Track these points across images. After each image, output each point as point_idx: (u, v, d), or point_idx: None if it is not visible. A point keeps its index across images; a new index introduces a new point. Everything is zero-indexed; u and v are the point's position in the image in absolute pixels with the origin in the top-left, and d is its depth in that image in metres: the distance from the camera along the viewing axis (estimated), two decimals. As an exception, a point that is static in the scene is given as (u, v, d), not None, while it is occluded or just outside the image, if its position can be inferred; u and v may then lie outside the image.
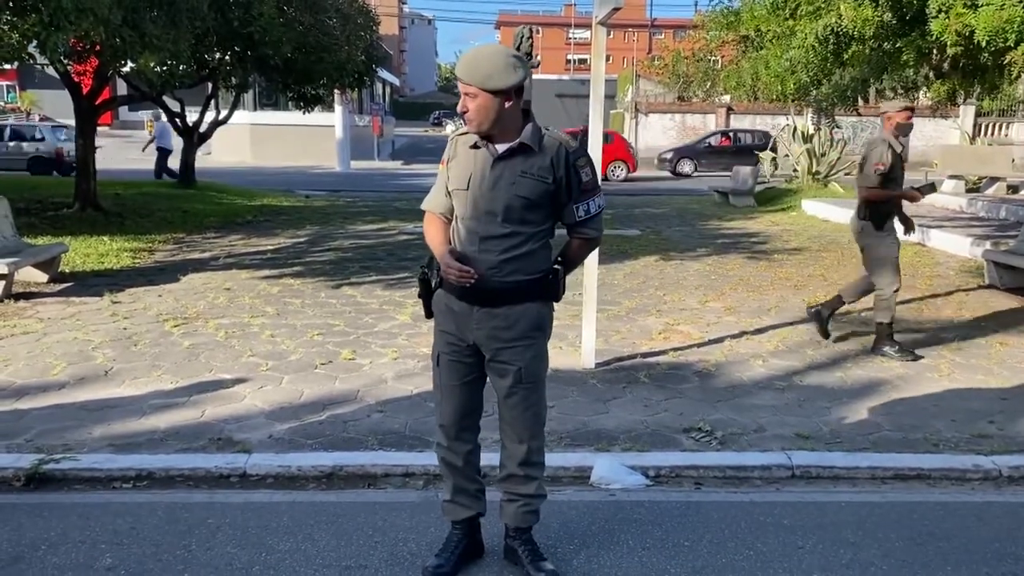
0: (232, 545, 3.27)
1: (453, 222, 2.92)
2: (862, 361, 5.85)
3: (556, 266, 2.95)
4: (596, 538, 3.36)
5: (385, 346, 6.02)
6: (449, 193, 2.92)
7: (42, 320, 6.58)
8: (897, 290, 5.85)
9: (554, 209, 2.88)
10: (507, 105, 2.73)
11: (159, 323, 6.55)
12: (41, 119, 39.13)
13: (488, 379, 3.01)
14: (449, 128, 40.59)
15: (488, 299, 2.84)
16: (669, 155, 30.77)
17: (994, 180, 16.09)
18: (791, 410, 4.88)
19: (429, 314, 3.04)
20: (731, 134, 31.29)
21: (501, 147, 2.80)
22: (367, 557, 3.19)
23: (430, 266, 2.98)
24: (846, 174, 20.23)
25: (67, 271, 8.40)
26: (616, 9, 5.12)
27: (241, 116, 25.44)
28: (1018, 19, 5.78)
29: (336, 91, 19.67)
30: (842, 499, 3.82)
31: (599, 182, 3.02)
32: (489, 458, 3.38)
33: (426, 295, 3.01)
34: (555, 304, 3.04)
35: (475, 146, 2.84)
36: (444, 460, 3.07)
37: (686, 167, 29.74)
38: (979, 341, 6.43)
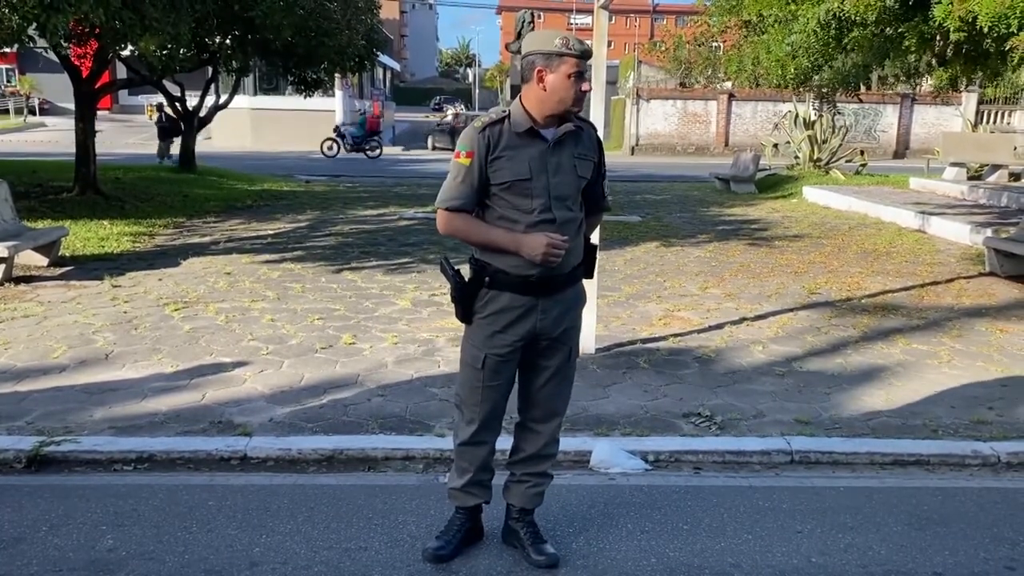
0: (232, 527, 3.28)
1: (503, 217, 2.73)
2: (862, 347, 5.85)
3: (593, 243, 2.99)
4: (595, 522, 3.37)
5: (385, 331, 6.03)
6: (485, 189, 2.71)
7: (42, 303, 6.59)
8: None
9: None
10: None
11: (159, 307, 6.56)
12: (41, 103, 39.07)
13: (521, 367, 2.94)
14: (451, 114, 39.90)
15: (560, 286, 2.81)
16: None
17: (996, 167, 16.06)
18: (790, 396, 4.89)
19: (469, 318, 2.83)
20: None
21: (549, 131, 2.74)
22: (367, 539, 3.20)
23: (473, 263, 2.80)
24: (847, 161, 20.19)
25: (67, 255, 8.39)
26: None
27: (241, 101, 25.41)
28: (1020, 5, 5.76)
29: (337, 76, 19.58)
30: (841, 484, 3.84)
31: None
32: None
33: (471, 295, 2.79)
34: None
35: (529, 132, 2.71)
36: (470, 455, 2.98)
37: None
38: (979, 328, 6.44)
